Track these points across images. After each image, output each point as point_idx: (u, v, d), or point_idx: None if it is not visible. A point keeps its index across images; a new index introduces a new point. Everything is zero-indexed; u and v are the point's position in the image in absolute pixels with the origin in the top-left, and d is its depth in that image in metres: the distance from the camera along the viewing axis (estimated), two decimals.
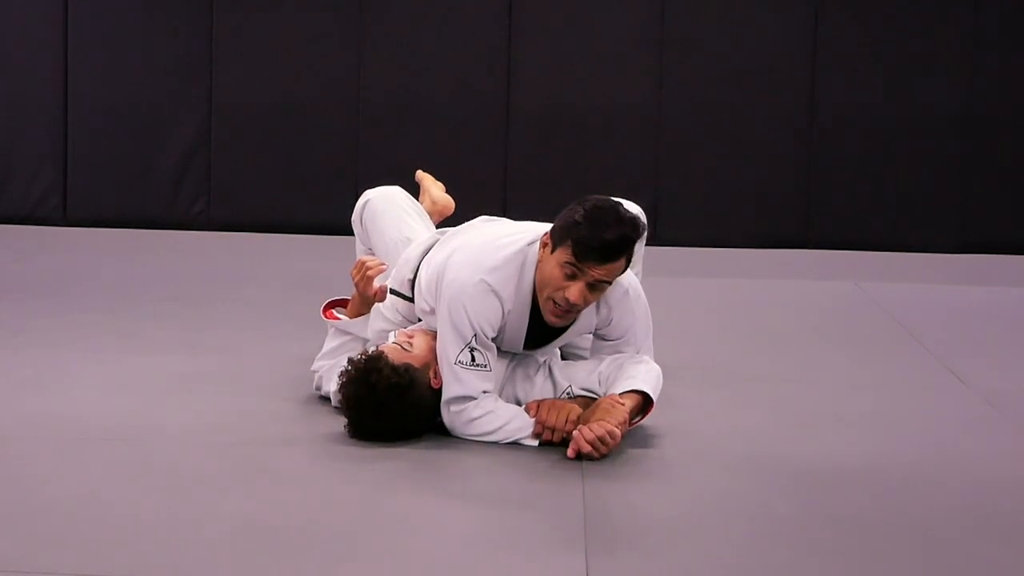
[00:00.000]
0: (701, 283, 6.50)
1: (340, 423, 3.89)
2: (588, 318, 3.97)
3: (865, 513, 3.36)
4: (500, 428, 3.84)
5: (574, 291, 3.75)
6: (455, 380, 3.84)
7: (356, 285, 4.17)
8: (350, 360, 3.84)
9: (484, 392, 3.86)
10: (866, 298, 6.69)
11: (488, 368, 3.85)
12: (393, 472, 3.60)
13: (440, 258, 4.02)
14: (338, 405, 3.93)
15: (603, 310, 3.95)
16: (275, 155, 8.66)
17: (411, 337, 3.95)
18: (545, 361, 4.05)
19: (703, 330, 5.18)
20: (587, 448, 3.69)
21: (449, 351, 3.84)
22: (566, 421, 3.81)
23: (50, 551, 2.96)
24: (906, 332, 5.79)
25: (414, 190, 4.79)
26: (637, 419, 3.91)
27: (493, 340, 3.90)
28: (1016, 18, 8.50)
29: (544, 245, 3.82)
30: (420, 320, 4.14)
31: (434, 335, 3.94)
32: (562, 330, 3.98)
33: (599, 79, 8.53)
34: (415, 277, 4.14)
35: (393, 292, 4.23)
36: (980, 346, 5.59)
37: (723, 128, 8.57)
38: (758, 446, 3.92)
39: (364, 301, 4.20)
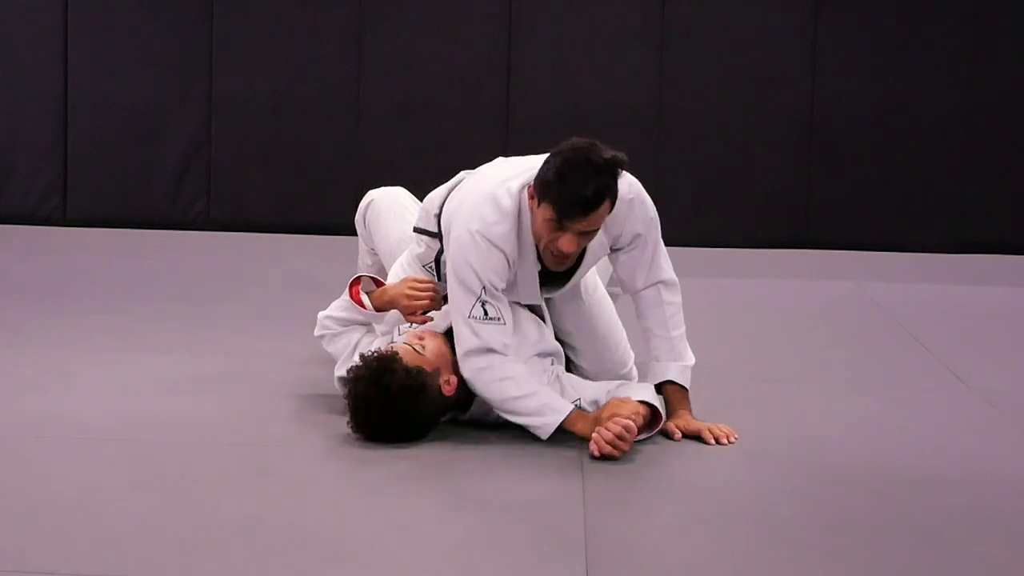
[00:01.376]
0: (701, 283, 6.49)
1: (341, 424, 3.89)
2: (600, 241, 3.99)
3: (865, 513, 3.36)
4: (522, 398, 3.81)
5: (565, 242, 3.78)
6: (472, 334, 3.83)
7: (403, 308, 4.09)
8: (362, 357, 3.82)
9: (506, 344, 3.85)
10: (866, 298, 6.69)
11: (503, 321, 3.85)
12: (394, 474, 3.59)
13: (455, 203, 4.03)
14: (345, 397, 3.89)
15: (612, 226, 3.97)
16: (275, 155, 8.66)
17: (422, 339, 3.93)
18: (554, 369, 4.06)
19: (702, 330, 5.15)
20: (608, 449, 3.69)
21: (462, 307, 3.85)
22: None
23: (50, 551, 2.96)
24: (906, 332, 5.79)
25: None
26: (644, 434, 3.91)
27: (510, 295, 3.93)
28: (1016, 19, 8.50)
29: (531, 196, 3.84)
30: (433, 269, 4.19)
31: (443, 338, 3.94)
32: (578, 264, 4.01)
33: (599, 79, 8.53)
34: (440, 213, 4.14)
35: (417, 230, 4.24)
36: (980, 346, 5.59)
37: (723, 128, 8.57)
38: (757, 446, 3.92)
39: (395, 306, 4.17)
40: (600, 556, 3.01)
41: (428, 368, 3.82)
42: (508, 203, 3.88)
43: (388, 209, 4.56)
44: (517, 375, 3.84)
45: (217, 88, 8.62)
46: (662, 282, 4.10)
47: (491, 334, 3.83)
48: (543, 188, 3.76)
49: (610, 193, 3.77)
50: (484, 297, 3.83)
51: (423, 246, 4.24)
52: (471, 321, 3.83)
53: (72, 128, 8.66)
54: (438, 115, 8.57)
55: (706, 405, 4.13)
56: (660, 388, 4.07)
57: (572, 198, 3.70)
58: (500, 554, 3.02)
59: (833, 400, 4.55)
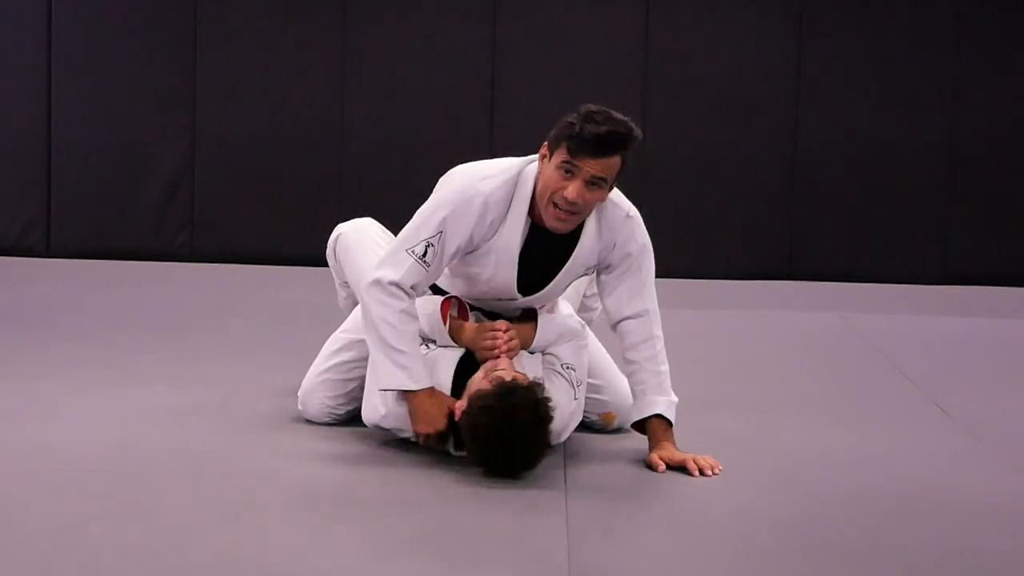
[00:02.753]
0: (685, 314, 6.50)
1: (323, 455, 3.89)
2: (590, 248, 4.05)
3: (848, 544, 3.36)
4: (391, 349, 3.90)
5: (572, 189, 3.87)
6: (395, 264, 3.95)
7: (480, 353, 4.03)
8: (505, 386, 3.72)
9: (415, 287, 3.95)
10: (850, 329, 6.70)
11: (429, 268, 3.94)
12: (376, 506, 3.59)
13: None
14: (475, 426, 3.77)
15: (605, 234, 4.05)
16: (258, 187, 8.66)
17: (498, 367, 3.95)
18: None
19: (687, 362, 5.17)
20: (499, 354, 3.95)
21: (408, 236, 3.97)
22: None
23: None
24: (890, 363, 5.80)
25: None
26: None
27: (483, 264, 4.01)
28: (998, 52, 8.56)
29: (543, 157, 3.98)
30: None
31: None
32: (562, 264, 4.05)
33: None
34: None
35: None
36: (964, 377, 5.60)
37: (707, 161, 8.61)
38: (741, 477, 3.92)
39: (471, 348, 4.11)
40: None
41: None
42: (512, 165, 4.06)
43: (356, 241, 4.57)
44: (402, 328, 3.91)
45: (201, 120, 8.63)
46: (650, 312, 4.12)
47: (412, 274, 3.94)
48: (559, 133, 3.93)
49: (622, 144, 3.90)
50: (432, 241, 3.94)
51: None
52: (404, 252, 3.95)
53: (56, 160, 8.66)
54: (422, 148, 8.58)
55: (690, 436, 4.13)
56: (645, 422, 4.07)
57: (588, 134, 3.85)
58: None
59: (816, 431, 4.55)
